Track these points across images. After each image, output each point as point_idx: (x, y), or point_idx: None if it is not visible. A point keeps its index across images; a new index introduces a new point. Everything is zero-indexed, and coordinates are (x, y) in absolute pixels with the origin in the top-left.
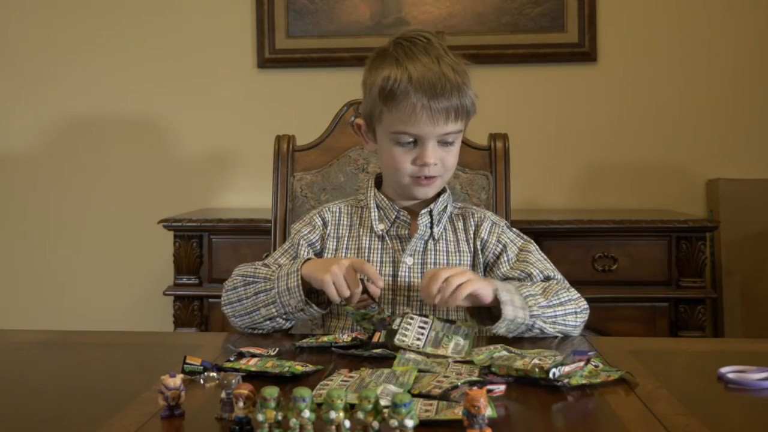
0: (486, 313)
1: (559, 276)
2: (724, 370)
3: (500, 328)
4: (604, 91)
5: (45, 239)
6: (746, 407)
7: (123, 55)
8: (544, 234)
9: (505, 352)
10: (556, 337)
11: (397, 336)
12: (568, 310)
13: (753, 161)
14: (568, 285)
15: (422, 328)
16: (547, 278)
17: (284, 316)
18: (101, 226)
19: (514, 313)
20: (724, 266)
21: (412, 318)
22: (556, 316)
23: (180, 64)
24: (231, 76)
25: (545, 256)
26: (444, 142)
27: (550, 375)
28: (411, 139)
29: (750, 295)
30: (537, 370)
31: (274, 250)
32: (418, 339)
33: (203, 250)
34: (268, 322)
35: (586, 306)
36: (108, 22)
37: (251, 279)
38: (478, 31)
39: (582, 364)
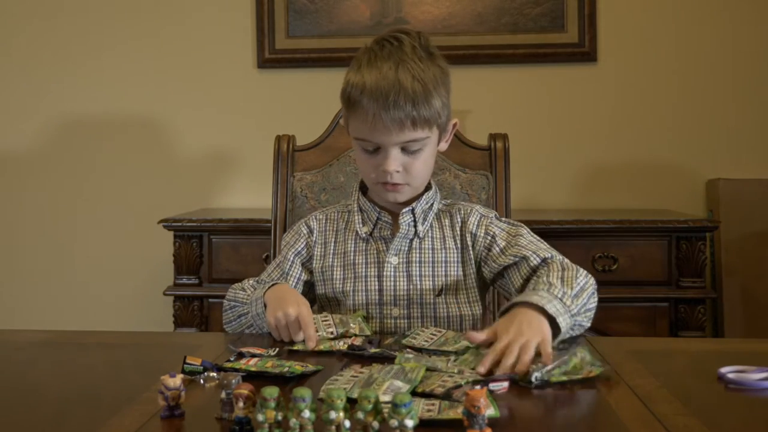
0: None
1: (558, 255)
2: (724, 370)
3: (555, 341)
4: (604, 91)
5: (45, 239)
6: (746, 407)
7: (123, 55)
8: (544, 234)
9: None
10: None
11: (407, 338)
12: (590, 293)
13: (753, 161)
14: (569, 262)
15: (434, 334)
16: (543, 260)
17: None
18: (101, 226)
19: (565, 323)
20: (724, 266)
21: (426, 328)
22: (586, 305)
23: (180, 64)
24: (231, 76)
25: (538, 238)
26: (408, 150)
27: (533, 379)
28: (372, 147)
29: (750, 295)
30: (519, 374)
31: (274, 250)
32: (426, 341)
33: (203, 250)
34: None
35: (594, 281)
36: (108, 23)
37: (233, 303)
38: (478, 31)
39: (566, 358)
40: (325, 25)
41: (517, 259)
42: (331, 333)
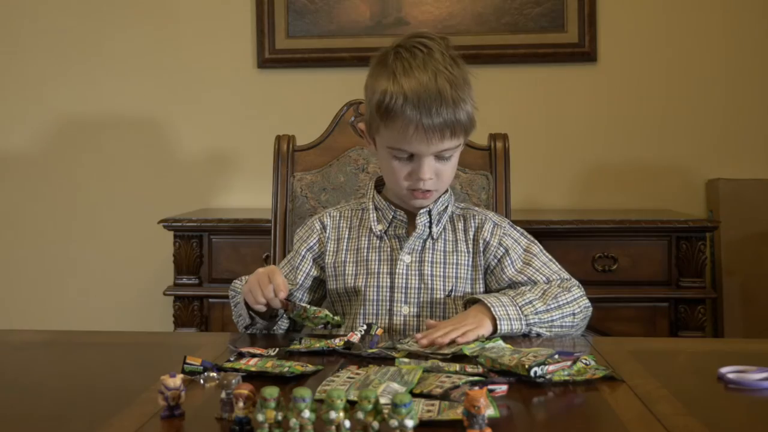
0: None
1: (564, 274)
2: (724, 370)
3: (495, 338)
4: (604, 91)
5: (45, 239)
6: (746, 407)
7: (123, 56)
8: (544, 234)
9: (500, 343)
10: (556, 337)
11: (401, 342)
12: (565, 312)
13: (753, 161)
14: (573, 284)
15: None
16: (548, 281)
17: (251, 327)
18: (101, 226)
19: (509, 326)
20: (724, 266)
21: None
22: (552, 321)
23: (180, 64)
24: (231, 76)
25: (551, 257)
26: (441, 157)
27: (531, 373)
28: (407, 155)
29: (750, 295)
30: (520, 367)
31: (274, 250)
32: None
33: (203, 250)
34: (247, 329)
35: (587, 305)
36: (108, 23)
37: (233, 293)
38: (478, 31)
39: (569, 363)
40: (325, 25)
41: (528, 282)
42: (308, 304)
